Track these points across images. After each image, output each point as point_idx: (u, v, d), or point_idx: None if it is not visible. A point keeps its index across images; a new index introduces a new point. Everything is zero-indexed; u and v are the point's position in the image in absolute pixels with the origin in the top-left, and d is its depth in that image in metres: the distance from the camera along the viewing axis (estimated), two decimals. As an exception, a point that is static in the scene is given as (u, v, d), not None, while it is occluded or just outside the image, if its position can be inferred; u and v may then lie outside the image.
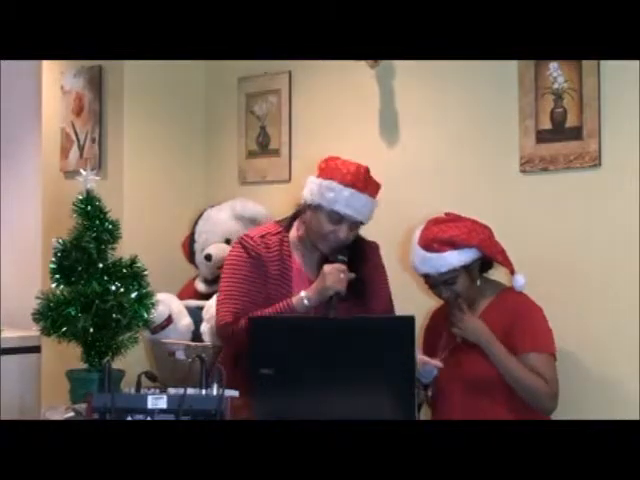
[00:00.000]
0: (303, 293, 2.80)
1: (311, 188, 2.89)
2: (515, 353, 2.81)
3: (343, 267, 2.80)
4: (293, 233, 2.97)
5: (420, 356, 2.79)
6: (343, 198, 2.83)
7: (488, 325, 2.85)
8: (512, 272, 2.92)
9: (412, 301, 3.24)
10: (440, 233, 2.88)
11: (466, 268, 2.88)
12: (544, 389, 2.81)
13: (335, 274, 2.77)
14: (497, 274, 3.03)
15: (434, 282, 2.92)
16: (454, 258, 2.86)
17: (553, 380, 2.83)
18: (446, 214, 2.97)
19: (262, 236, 2.94)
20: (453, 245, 2.86)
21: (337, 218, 2.84)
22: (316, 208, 2.87)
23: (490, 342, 2.81)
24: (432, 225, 2.93)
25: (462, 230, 2.88)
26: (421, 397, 2.90)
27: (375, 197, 2.91)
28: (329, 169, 2.90)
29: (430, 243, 2.88)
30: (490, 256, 2.91)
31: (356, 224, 2.88)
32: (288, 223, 3.00)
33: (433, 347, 3.01)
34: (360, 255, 2.94)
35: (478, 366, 2.84)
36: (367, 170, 2.91)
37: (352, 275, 2.82)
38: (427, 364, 2.86)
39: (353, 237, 2.91)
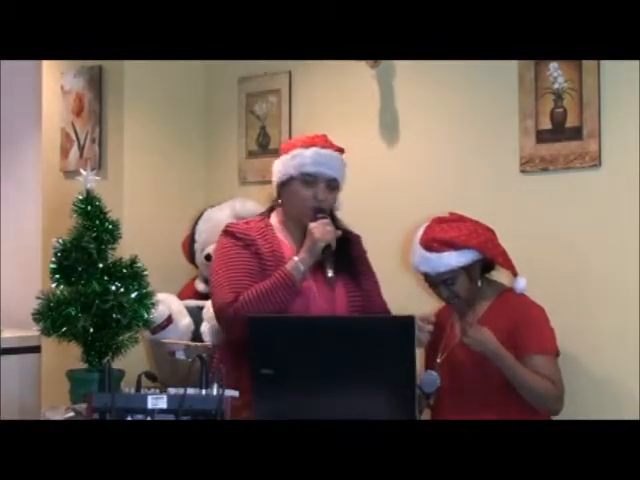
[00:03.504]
0: (295, 257, 2.77)
1: (277, 170, 2.90)
2: (519, 355, 2.80)
3: (327, 221, 2.81)
4: (274, 220, 2.94)
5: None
6: (309, 158, 2.85)
7: (490, 326, 2.84)
8: (514, 274, 2.91)
9: (413, 301, 3.24)
10: (441, 233, 2.88)
11: (465, 269, 2.88)
12: (552, 392, 2.81)
13: (321, 227, 2.78)
14: (500, 275, 3.02)
15: (433, 282, 2.92)
16: (453, 259, 2.86)
17: (559, 381, 2.84)
18: (450, 214, 2.97)
19: (246, 222, 2.94)
20: (452, 246, 2.86)
21: (310, 180, 2.85)
22: (288, 182, 2.87)
23: (497, 352, 2.77)
24: (435, 224, 2.93)
25: (463, 231, 2.88)
26: (422, 405, 2.90)
27: (341, 154, 2.92)
28: (288, 145, 2.98)
29: (430, 242, 2.88)
30: (490, 258, 2.90)
31: (331, 183, 2.87)
32: (267, 213, 2.98)
33: (434, 348, 3.01)
34: (347, 245, 2.92)
35: (479, 366, 2.84)
36: (325, 135, 2.96)
37: (339, 232, 2.82)
38: (429, 373, 2.88)
39: (333, 200, 2.89)
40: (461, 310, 2.95)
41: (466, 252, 2.87)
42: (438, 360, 2.95)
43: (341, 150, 2.93)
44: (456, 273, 2.87)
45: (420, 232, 2.94)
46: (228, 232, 2.89)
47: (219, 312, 2.82)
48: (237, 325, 2.71)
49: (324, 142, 2.91)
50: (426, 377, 2.88)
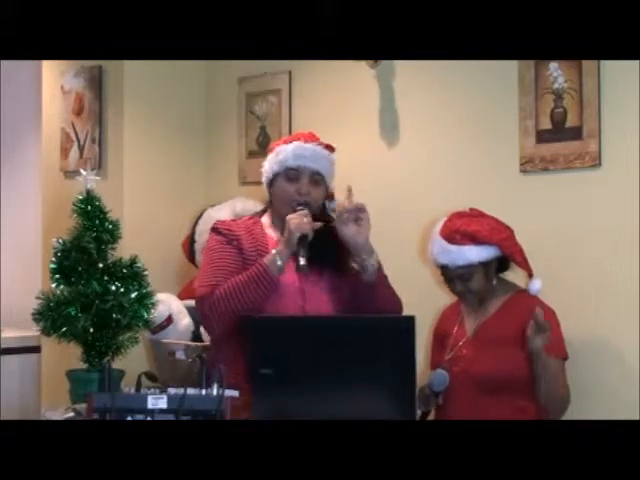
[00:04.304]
0: (273, 250, 2.75)
1: (264, 170, 2.90)
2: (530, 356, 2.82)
3: (304, 212, 2.77)
4: (265, 219, 2.94)
5: None
6: (290, 152, 2.83)
7: (501, 325, 2.85)
8: (530, 275, 2.91)
9: (416, 300, 3.23)
10: (463, 226, 2.89)
11: (483, 265, 2.88)
12: (565, 393, 2.86)
13: (297, 218, 2.74)
14: (511, 277, 3.03)
15: (450, 275, 2.92)
16: (473, 253, 2.86)
17: (566, 384, 2.86)
18: (470, 209, 2.98)
19: (233, 220, 2.98)
20: (474, 240, 2.86)
21: (293, 175, 2.83)
22: (274, 180, 2.87)
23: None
24: (455, 218, 2.94)
25: (484, 227, 2.89)
26: (432, 403, 2.91)
27: (327, 150, 2.88)
28: (274, 144, 2.96)
29: (452, 235, 2.88)
30: (509, 256, 2.91)
31: (315, 177, 2.84)
32: (260, 213, 2.98)
33: (442, 345, 3.01)
34: (336, 241, 2.84)
35: (488, 365, 2.84)
36: (312, 133, 2.93)
37: (318, 224, 2.77)
38: (439, 372, 2.86)
39: (319, 196, 2.85)
40: (473, 306, 2.96)
41: (486, 248, 2.88)
42: (447, 357, 2.95)
43: (329, 147, 2.90)
44: (474, 268, 2.88)
45: (439, 225, 2.95)
46: (214, 229, 2.91)
47: (197, 305, 2.83)
48: (212, 318, 2.75)
49: (307, 137, 2.89)
50: (436, 376, 2.88)
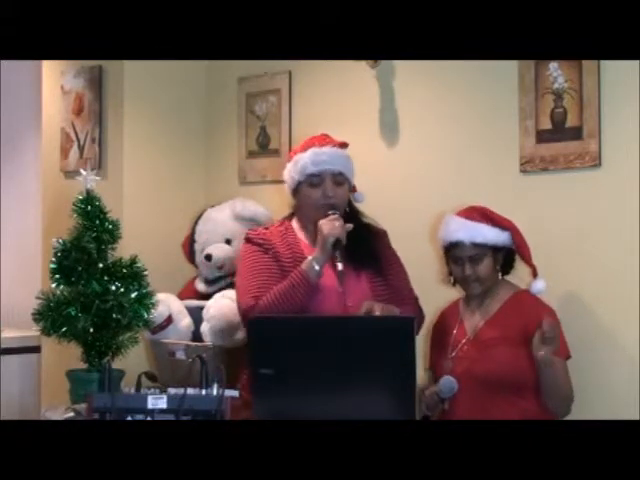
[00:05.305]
0: (310, 257, 2.84)
1: (286, 179, 3.01)
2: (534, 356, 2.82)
3: (336, 216, 2.87)
4: (295, 223, 3.04)
5: None
6: (308, 159, 2.93)
7: (503, 325, 2.86)
8: (534, 274, 2.92)
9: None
10: (480, 208, 2.95)
11: (494, 251, 2.90)
12: (569, 392, 2.86)
13: (329, 223, 2.84)
14: (511, 278, 3.04)
15: (461, 256, 2.92)
16: (490, 232, 2.90)
17: (570, 383, 2.88)
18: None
19: (265, 228, 3.06)
20: (492, 221, 2.92)
21: (315, 180, 2.93)
22: (298, 188, 2.97)
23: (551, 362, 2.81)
24: (463, 210, 2.98)
25: (498, 216, 2.95)
26: (438, 408, 2.90)
27: (343, 149, 2.99)
28: (292, 152, 3.09)
29: (471, 213, 2.94)
30: (519, 247, 2.93)
31: (337, 178, 2.94)
32: (288, 218, 3.07)
33: (442, 345, 3.01)
34: (370, 238, 3.00)
35: (490, 365, 2.84)
36: (324, 134, 3.03)
37: (350, 226, 2.87)
38: (448, 379, 2.86)
39: (344, 195, 2.95)
40: (474, 301, 2.96)
41: (502, 232, 2.92)
42: (448, 357, 2.95)
43: (343, 145, 3.00)
44: (486, 251, 2.90)
45: (448, 215, 2.99)
46: (247, 239, 3.01)
47: (242, 317, 2.90)
48: None
49: (321, 141, 2.98)
50: (444, 382, 2.88)
